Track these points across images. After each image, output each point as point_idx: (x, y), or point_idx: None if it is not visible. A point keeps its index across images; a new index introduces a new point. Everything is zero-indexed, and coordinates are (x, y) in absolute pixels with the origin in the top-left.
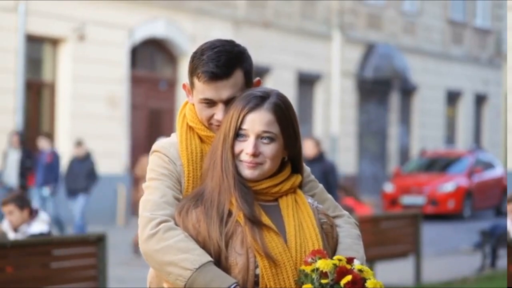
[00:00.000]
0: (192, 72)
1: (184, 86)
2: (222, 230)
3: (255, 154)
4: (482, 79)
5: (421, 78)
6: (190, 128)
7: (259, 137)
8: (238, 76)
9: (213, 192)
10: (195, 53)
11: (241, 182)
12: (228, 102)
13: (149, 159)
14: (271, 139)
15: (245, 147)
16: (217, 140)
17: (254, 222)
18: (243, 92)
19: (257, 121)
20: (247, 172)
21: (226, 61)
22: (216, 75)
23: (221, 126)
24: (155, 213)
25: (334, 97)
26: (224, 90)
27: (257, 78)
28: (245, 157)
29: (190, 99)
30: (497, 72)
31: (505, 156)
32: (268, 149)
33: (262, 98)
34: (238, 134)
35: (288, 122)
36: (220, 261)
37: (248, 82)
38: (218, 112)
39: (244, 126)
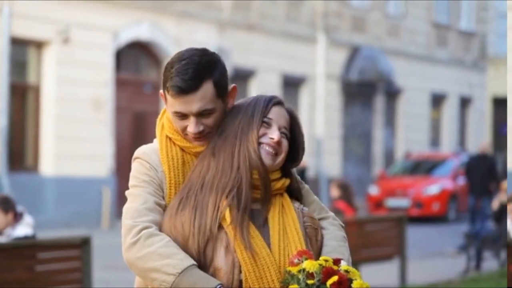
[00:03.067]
0: (164, 85)
1: (161, 94)
2: (215, 217)
3: (279, 143)
4: (467, 81)
5: (406, 81)
6: (169, 137)
7: (280, 130)
8: (207, 88)
9: (221, 174)
10: (167, 64)
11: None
12: (199, 115)
13: (132, 166)
14: (286, 136)
15: (270, 133)
16: (230, 126)
17: (238, 223)
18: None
19: (282, 115)
20: (267, 158)
21: (193, 74)
22: (183, 90)
23: (227, 122)
24: (136, 220)
25: (319, 100)
26: (193, 103)
27: (233, 85)
28: (268, 140)
29: (167, 107)
30: (482, 74)
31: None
32: (285, 143)
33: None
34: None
35: (298, 129)
36: (205, 264)
37: (220, 92)
38: (191, 125)
39: (270, 116)
